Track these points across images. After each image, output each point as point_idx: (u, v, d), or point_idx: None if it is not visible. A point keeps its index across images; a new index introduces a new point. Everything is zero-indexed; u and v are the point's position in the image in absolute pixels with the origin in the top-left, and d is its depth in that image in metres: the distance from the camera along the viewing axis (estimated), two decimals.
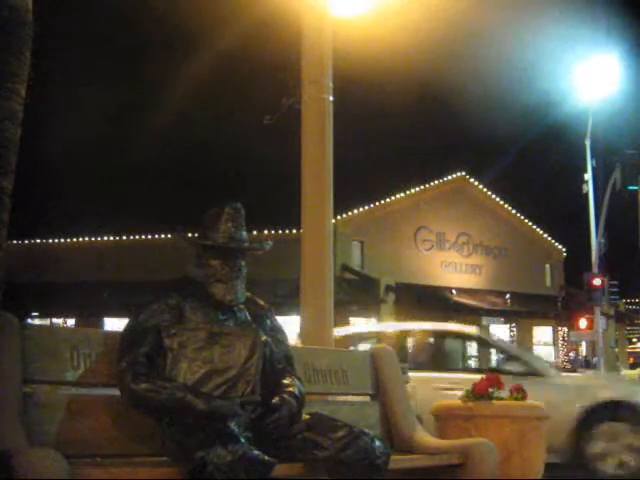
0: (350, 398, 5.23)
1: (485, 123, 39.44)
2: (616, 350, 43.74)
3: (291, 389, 3.93)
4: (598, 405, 9.02)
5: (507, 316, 40.68)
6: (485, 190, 42.64)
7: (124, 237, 37.11)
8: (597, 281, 29.69)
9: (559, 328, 43.57)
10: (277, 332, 4.12)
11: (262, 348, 3.89)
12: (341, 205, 26.92)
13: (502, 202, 43.48)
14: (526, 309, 40.75)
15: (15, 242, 33.43)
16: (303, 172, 8.01)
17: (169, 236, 24.35)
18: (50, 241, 38.12)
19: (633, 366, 48.13)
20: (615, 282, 33.07)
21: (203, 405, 3.59)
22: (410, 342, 10.99)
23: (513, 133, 47.28)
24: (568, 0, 30.18)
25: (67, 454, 3.29)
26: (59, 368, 3.78)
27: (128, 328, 3.81)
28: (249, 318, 4.01)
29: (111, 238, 37.48)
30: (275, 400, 3.79)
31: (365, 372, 4.94)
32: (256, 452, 3.42)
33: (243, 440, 3.51)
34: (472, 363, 12.54)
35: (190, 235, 4.13)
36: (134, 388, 3.64)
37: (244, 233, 3.99)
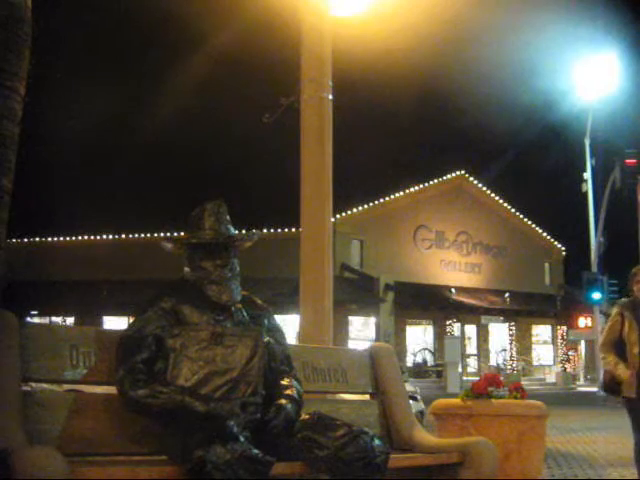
0: (349, 397, 5.23)
1: (485, 122, 39.46)
2: None
3: (289, 391, 3.93)
4: None
5: (506, 315, 40.71)
6: (484, 189, 42.64)
7: (124, 236, 37.09)
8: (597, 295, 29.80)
9: (558, 327, 43.58)
10: (275, 332, 4.11)
11: (264, 349, 3.89)
12: (340, 204, 26.94)
13: (501, 201, 43.49)
14: (525, 308, 40.78)
15: (15, 241, 33.43)
16: (302, 171, 8.01)
17: (167, 234, 24.36)
18: (50, 240, 38.13)
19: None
20: (614, 281, 33.05)
21: (202, 407, 3.59)
22: None
23: (513, 132, 47.27)
24: (568, 0, 30.20)
25: (66, 453, 3.29)
26: (58, 367, 3.78)
27: (125, 336, 3.80)
28: (246, 318, 4.01)
29: (111, 237, 37.47)
30: (271, 409, 3.79)
31: (364, 371, 4.94)
32: (255, 451, 3.42)
33: (242, 439, 3.51)
34: None
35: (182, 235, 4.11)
36: (132, 395, 3.64)
37: (230, 227, 3.98)
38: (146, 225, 34.75)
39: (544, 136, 46.92)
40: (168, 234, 24.74)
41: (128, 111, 41.53)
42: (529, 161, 48.81)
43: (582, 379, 44.46)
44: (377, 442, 3.74)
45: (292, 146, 8.44)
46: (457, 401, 5.77)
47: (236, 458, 3.33)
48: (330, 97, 8.01)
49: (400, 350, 34.63)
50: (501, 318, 40.88)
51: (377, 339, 32.28)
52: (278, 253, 29.74)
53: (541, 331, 44.49)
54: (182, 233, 4.04)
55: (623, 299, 6.82)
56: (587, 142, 31.23)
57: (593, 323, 33.97)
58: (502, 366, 40.01)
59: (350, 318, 34.88)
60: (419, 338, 39.00)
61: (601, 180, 31.30)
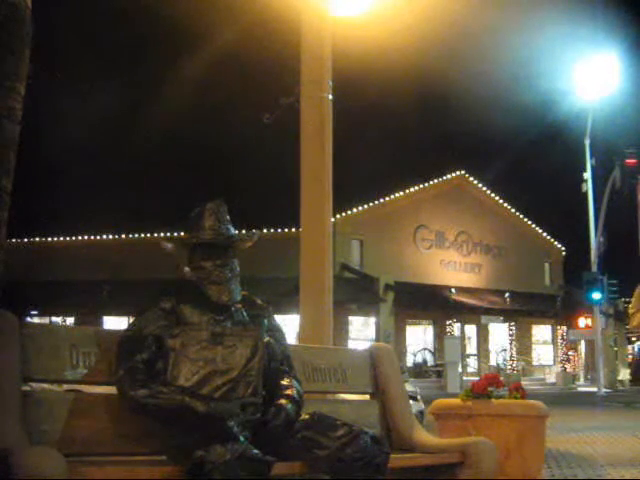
0: (349, 397, 5.23)
1: (485, 122, 39.46)
2: (615, 349, 43.77)
3: (289, 391, 3.93)
4: None
5: (506, 315, 40.72)
6: (485, 189, 42.66)
7: (124, 236, 37.09)
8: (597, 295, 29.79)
9: (558, 327, 43.59)
10: (275, 331, 4.11)
11: (264, 349, 3.89)
12: (340, 203, 26.93)
13: (501, 201, 43.49)
14: (525, 308, 40.78)
15: (15, 241, 33.43)
16: (302, 171, 8.01)
17: (167, 234, 24.38)
18: (49, 240, 38.13)
19: (632, 365, 48.18)
20: (614, 281, 33.08)
21: (202, 407, 3.59)
22: None
23: (513, 132, 47.26)
24: (568, 0, 30.20)
25: (66, 453, 3.29)
26: (58, 367, 3.78)
27: (125, 336, 3.80)
28: (246, 318, 4.01)
29: (111, 237, 37.47)
30: (271, 410, 3.79)
31: (364, 371, 4.93)
32: (255, 451, 3.42)
33: (242, 439, 3.51)
34: None
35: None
36: (133, 395, 3.64)
37: (230, 227, 3.98)
38: (146, 225, 34.75)
39: (544, 136, 46.93)
40: (168, 234, 24.74)
41: (128, 111, 41.55)
42: (529, 161, 48.81)
43: (582, 379, 44.49)
44: (377, 442, 3.75)
45: (292, 146, 8.44)
46: (457, 401, 5.78)
47: (236, 458, 3.33)
48: (330, 97, 8.01)
49: (400, 350, 34.63)
50: (501, 318, 40.88)
51: (377, 339, 32.28)
52: (278, 253, 29.71)
53: (541, 331, 44.49)
54: (182, 233, 4.04)
55: None
56: (587, 142, 31.25)
57: (593, 323, 33.99)
58: (502, 366, 40.01)
59: (350, 318, 34.88)
60: (419, 338, 39.00)
61: (601, 180, 31.34)
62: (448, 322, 37.84)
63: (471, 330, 40.66)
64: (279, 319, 4.32)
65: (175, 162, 39.84)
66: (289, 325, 21.92)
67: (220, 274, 3.89)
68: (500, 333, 41.60)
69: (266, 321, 4.08)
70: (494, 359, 41.43)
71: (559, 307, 42.16)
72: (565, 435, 12.86)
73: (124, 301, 30.94)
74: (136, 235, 36.48)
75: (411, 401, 6.48)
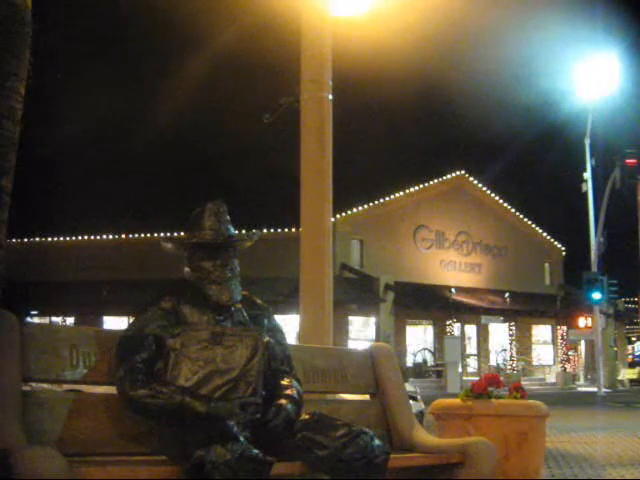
0: (349, 397, 5.23)
1: (485, 122, 39.47)
2: (615, 349, 43.79)
3: (289, 391, 3.93)
4: None
5: (506, 315, 40.72)
6: (485, 189, 42.66)
7: (124, 236, 37.10)
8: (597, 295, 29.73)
9: (558, 327, 43.59)
10: (275, 332, 4.11)
11: (264, 349, 3.89)
12: (340, 203, 26.93)
13: (502, 201, 43.50)
14: (525, 308, 40.80)
15: (15, 241, 33.44)
16: (302, 171, 8.02)
17: (167, 234, 24.36)
18: (49, 240, 38.13)
19: (632, 365, 48.22)
20: (614, 281, 33.08)
21: (202, 407, 3.59)
22: None
23: (513, 132, 47.27)
24: (568, 0, 30.21)
25: (66, 453, 3.29)
26: (58, 366, 3.78)
27: (125, 336, 3.80)
28: (246, 318, 4.01)
29: (110, 237, 37.47)
30: (271, 410, 3.78)
31: (364, 371, 4.93)
32: (255, 451, 3.42)
33: (242, 439, 3.51)
34: None
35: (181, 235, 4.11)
36: (132, 394, 3.64)
37: (230, 227, 3.98)
38: (146, 225, 34.76)
39: (544, 136, 46.96)
40: (168, 234, 24.74)
41: (128, 111, 41.56)
42: (530, 161, 48.84)
43: (582, 379, 44.51)
44: (377, 442, 3.74)
45: (292, 146, 8.44)
46: (457, 401, 5.77)
47: (236, 458, 3.33)
48: (330, 97, 8.01)
49: (400, 350, 34.64)
50: (501, 318, 40.88)
51: (377, 339, 32.29)
52: (278, 253, 29.74)
53: (541, 331, 44.50)
54: (182, 233, 4.04)
55: None
56: (587, 142, 31.24)
57: (593, 323, 33.99)
58: (502, 366, 40.02)
59: (350, 318, 34.88)
60: (419, 338, 39.00)
61: (601, 180, 31.34)
62: (448, 322, 37.85)
63: (471, 330, 40.66)
64: (279, 319, 4.32)
65: (175, 162, 39.86)
66: (289, 325, 21.95)
67: (220, 274, 3.89)
68: (500, 333, 41.60)
69: (266, 321, 4.08)
70: (494, 359, 41.44)
71: (559, 307, 42.17)
72: (565, 435, 12.86)
73: (124, 301, 30.95)
74: (136, 235, 36.48)
75: (411, 401, 6.48)
